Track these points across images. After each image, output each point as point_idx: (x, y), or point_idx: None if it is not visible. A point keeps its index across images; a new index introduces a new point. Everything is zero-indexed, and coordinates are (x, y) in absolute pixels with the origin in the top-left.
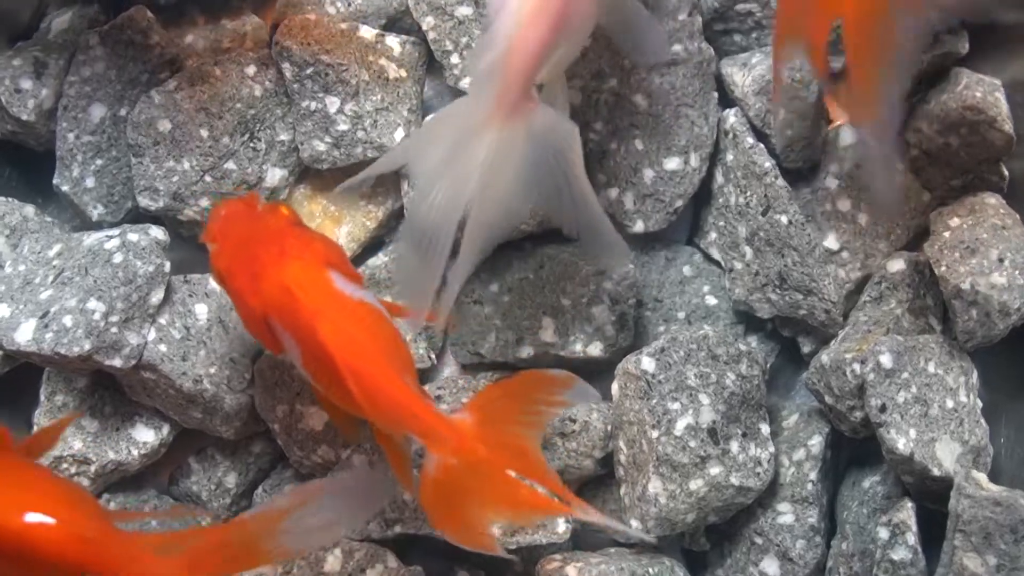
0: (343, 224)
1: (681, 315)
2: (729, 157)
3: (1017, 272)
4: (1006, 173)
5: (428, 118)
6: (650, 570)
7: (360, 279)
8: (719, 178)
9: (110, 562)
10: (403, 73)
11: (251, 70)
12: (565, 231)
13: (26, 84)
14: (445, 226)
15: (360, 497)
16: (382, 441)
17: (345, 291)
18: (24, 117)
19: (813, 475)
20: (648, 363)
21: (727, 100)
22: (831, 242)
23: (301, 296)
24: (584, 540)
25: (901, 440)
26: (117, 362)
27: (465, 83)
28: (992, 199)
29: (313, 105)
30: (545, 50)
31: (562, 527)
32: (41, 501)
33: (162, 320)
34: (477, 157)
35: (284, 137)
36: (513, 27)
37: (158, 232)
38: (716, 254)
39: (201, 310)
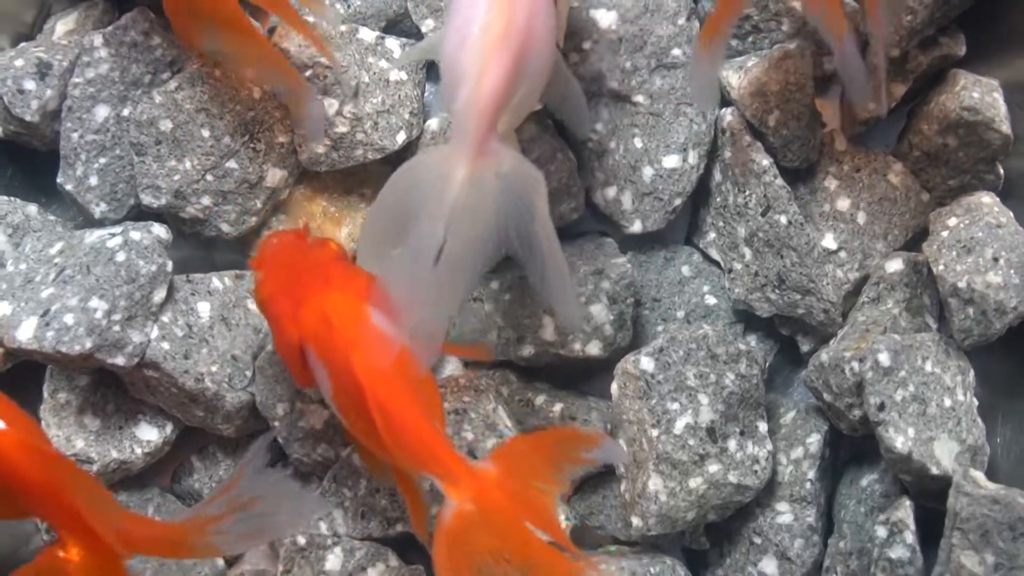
0: (343, 226)
1: (680, 314)
2: (727, 154)
3: (1013, 271)
4: (1002, 172)
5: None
6: (651, 569)
7: (401, 319)
8: (717, 176)
9: (53, 487)
10: (403, 76)
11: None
12: (530, 280)
13: (29, 85)
14: (422, 270)
15: (287, 514)
16: (403, 485)
17: (382, 327)
18: (27, 118)
19: (811, 474)
20: (647, 363)
21: (724, 102)
22: (829, 242)
23: (338, 325)
24: (584, 539)
25: (899, 439)
26: (120, 360)
27: None
28: (987, 198)
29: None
30: (511, 90)
31: (562, 523)
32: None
33: (164, 318)
34: (447, 198)
35: (283, 139)
36: (481, 67)
37: (160, 230)
38: (715, 254)
39: (203, 308)
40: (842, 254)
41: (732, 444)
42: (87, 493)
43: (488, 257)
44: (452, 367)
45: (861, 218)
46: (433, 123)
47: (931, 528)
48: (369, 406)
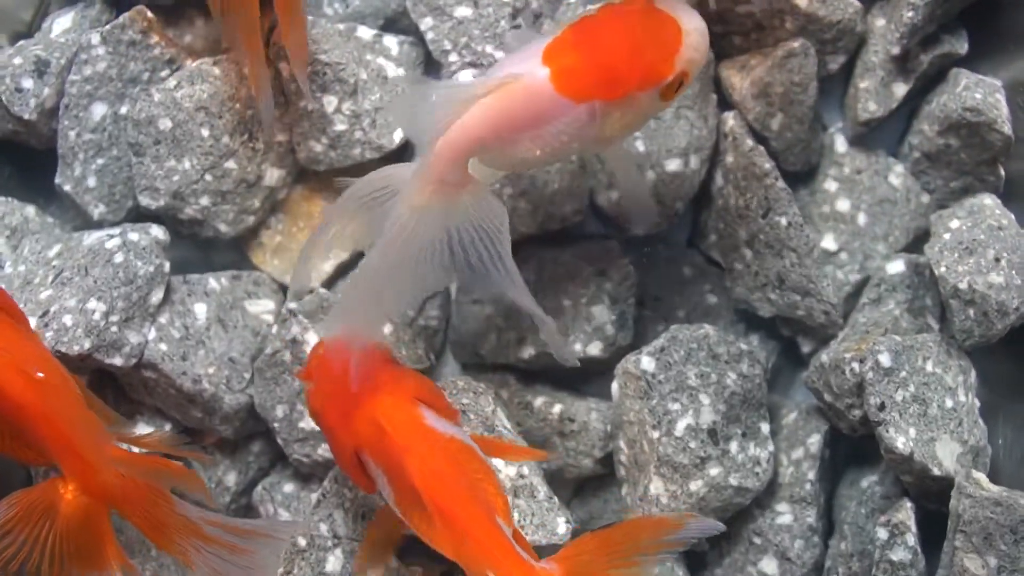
0: None
1: (681, 314)
2: (729, 159)
3: (1014, 272)
4: (1002, 173)
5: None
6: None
7: (455, 415)
8: (719, 180)
9: (56, 426)
10: (402, 73)
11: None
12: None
13: (27, 83)
14: (359, 277)
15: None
16: None
17: (436, 427)
18: (26, 116)
19: (811, 474)
20: (648, 363)
21: (726, 103)
22: (829, 243)
23: (391, 431)
24: None
25: (900, 439)
26: (118, 361)
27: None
28: (988, 199)
29: (310, 105)
30: (476, 148)
31: (562, 527)
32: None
33: (162, 319)
34: (399, 221)
35: (281, 138)
36: (462, 111)
37: (158, 231)
38: (717, 256)
39: (200, 309)
40: (842, 255)
41: (734, 446)
42: (92, 440)
43: (425, 280)
44: (450, 369)
45: (861, 219)
46: None
47: (932, 530)
48: (429, 511)
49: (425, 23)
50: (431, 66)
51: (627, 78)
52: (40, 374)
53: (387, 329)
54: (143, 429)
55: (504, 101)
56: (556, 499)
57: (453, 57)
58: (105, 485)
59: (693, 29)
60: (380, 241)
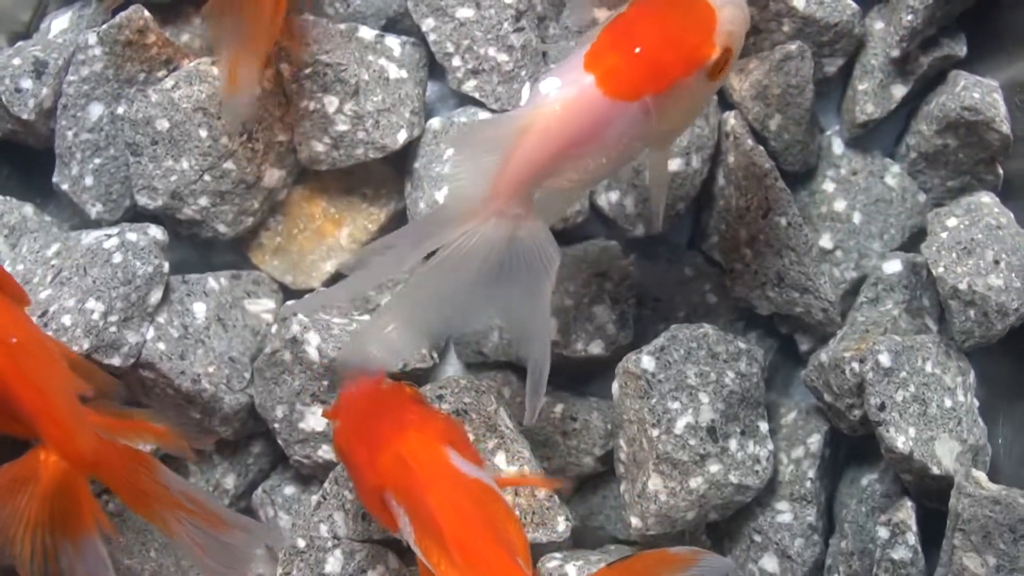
0: (344, 226)
1: (681, 314)
2: (731, 159)
3: (1013, 274)
4: (1001, 172)
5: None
6: None
7: (479, 459)
8: (720, 180)
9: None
10: (404, 74)
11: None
12: (514, 349)
13: (26, 84)
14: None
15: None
16: None
17: (461, 468)
18: (25, 116)
19: (812, 473)
20: (648, 362)
21: (726, 104)
22: (826, 242)
23: (415, 467)
24: (584, 539)
25: (900, 438)
26: (116, 360)
27: (468, 87)
28: (986, 198)
29: (311, 105)
30: (544, 172)
31: (562, 526)
32: None
33: (160, 319)
34: (451, 239)
35: (282, 138)
36: (520, 137)
37: (157, 231)
38: (718, 256)
39: (199, 309)
40: (838, 253)
41: (733, 444)
42: (69, 405)
43: (464, 312)
44: (453, 368)
45: (857, 218)
46: (435, 122)
47: (932, 529)
48: (449, 549)
49: (427, 24)
50: (434, 68)
51: (670, 67)
52: (14, 339)
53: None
54: None
55: (558, 119)
56: (556, 497)
57: (456, 61)
58: (84, 451)
59: (725, 3)
60: (428, 266)
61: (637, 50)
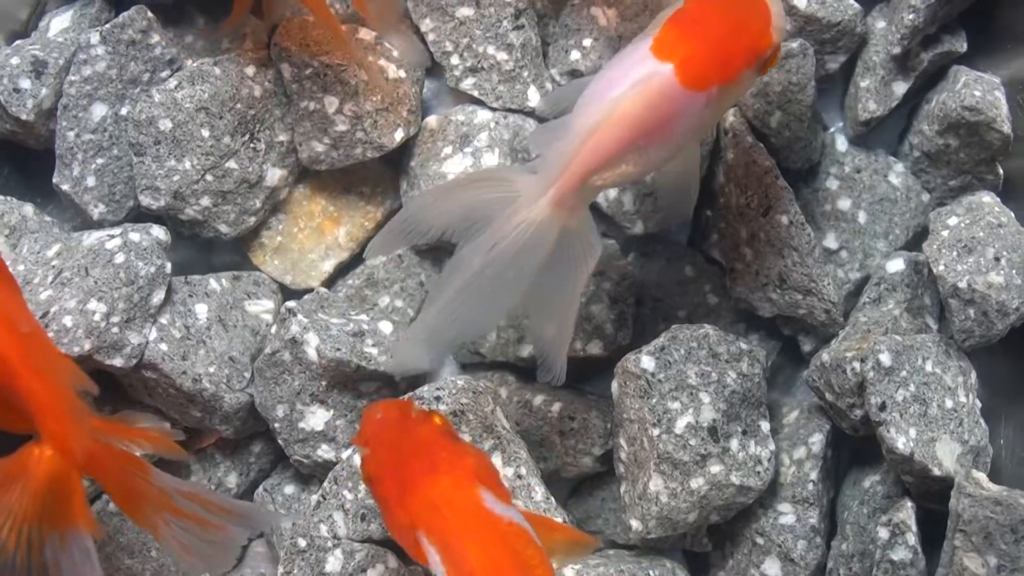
0: (342, 225)
1: (682, 314)
2: (730, 156)
3: (1014, 272)
4: (1001, 171)
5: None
6: (651, 572)
7: (508, 496)
8: (720, 178)
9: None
10: (402, 74)
11: (250, 70)
12: (532, 333)
13: (25, 84)
14: (451, 284)
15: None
16: None
17: (494, 511)
18: (23, 117)
19: (814, 475)
20: (648, 362)
21: None
22: (830, 242)
23: (450, 516)
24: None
25: (901, 439)
26: (118, 361)
27: (465, 84)
28: (988, 197)
29: (312, 105)
30: (614, 163)
31: None
32: None
33: (163, 320)
34: (507, 229)
35: (283, 138)
36: (594, 128)
37: (159, 232)
38: (717, 255)
39: (201, 310)
40: (843, 254)
41: (734, 444)
42: (73, 403)
43: (513, 299)
44: (450, 368)
45: (862, 218)
46: (431, 120)
47: (933, 529)
48: None
49: (426, 24)
50: (431, 68)
51: (738, 57)
52: (24, 328)
53: (388, 329)
54: None
55: (635, 108)
56: (553, 499)
57: (455, 60)
58: (81, 449)
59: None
60: (485, 249)
61: (706, 41)
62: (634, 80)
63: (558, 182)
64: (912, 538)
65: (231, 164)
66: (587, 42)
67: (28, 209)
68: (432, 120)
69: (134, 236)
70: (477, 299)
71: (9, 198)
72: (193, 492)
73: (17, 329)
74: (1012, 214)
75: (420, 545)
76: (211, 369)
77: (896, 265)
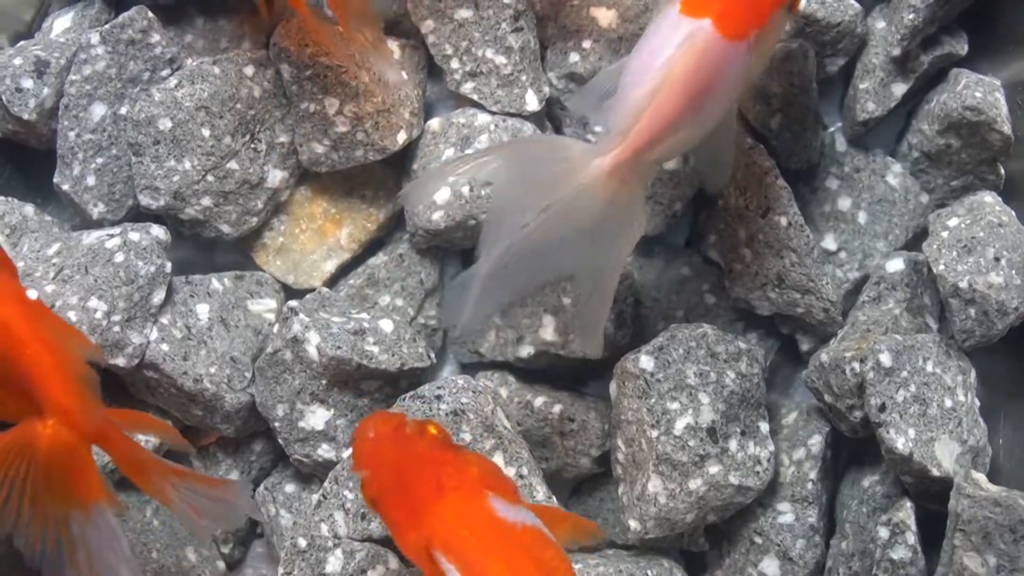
0: (344, 226)
1: (680, 313)
2: None
3: (1014, 271)
4: (1002, 172)
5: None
6: (648, 572)
7: (515, 492)
8: None
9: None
10: (403, 75)
11: (249, 70)
12: (572, 300)
13: (27, 83)
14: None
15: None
16: None
17: (508, 519)
18: (25, 116)
19: (813, 474)
20: (647, 361)
21: None
22: (829, 243)
23: (465, 533)
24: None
25: (900, 440)
26: (121, 361)
27: (465, 88)
28: (988, 197)
29: (312, 107)
30: (674, 128)
31: None
32: None
33: (164, 320)
34: (562, 193)
35: (283, 139)
36: (651, 96)
37: (159, 231)
38: (715, 256)
39: (202, 310)
40: (842, 254)
41: (733, 444)
42: (81, 377)
43: (557, 266)
44: (450, 367)
45: (862, 218)
46: (434, 123)
47: (933, 529)
48: None
49: (426, 26)
50: (433, 69)
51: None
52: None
53: (389, 327)
54: None
55: (689, 68)
56: (555, 499)
57: (455, 63)
58: (88, 422)
59: None
60: (537, 210)
61: None
62: (677, 43)
63: (616, 150)
64: (912, 537)
65: (232, 165)
66: (587, 44)
67: (29, 209)
68: (435, 123)
69: (134, 235)
70: (527, 259)
71: (10, 199)
72: (184, 471)
73: (24, 298)
74: (1013, 213)
75: (437, 564)
76: (212, 369)
77: (896, 265)
